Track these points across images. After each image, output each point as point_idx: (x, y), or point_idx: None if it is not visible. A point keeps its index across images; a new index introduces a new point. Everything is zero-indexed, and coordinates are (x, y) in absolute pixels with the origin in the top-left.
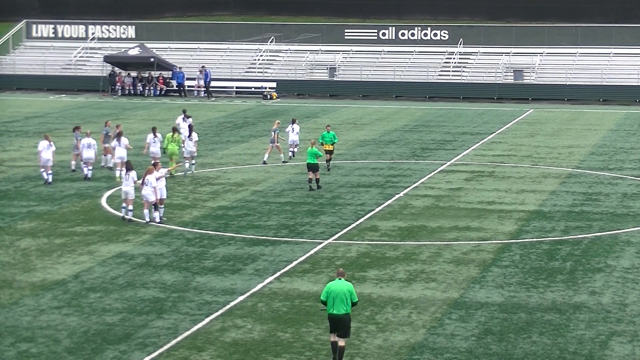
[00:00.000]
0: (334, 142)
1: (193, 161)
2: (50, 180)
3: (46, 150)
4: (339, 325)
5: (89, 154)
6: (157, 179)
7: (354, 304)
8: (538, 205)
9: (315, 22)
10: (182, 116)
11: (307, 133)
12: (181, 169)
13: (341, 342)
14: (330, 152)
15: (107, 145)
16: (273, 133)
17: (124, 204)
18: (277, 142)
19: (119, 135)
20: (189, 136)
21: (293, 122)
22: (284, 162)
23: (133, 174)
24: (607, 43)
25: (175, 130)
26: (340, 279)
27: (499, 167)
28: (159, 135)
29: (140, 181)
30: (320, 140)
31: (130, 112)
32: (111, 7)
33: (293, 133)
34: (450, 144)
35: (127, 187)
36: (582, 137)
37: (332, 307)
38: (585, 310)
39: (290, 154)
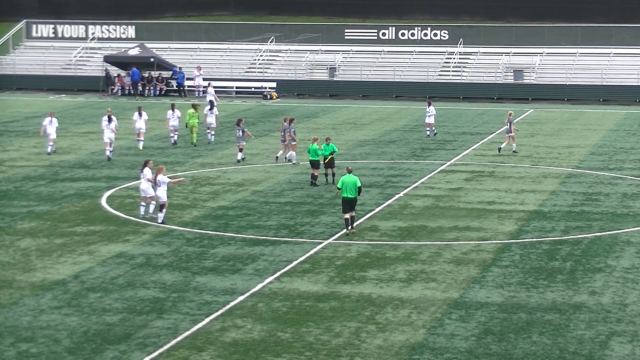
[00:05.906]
0: (334, 152)
1: (212, 132)
2: None
3: None
4: (350, 204)
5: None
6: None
7: (359, 189)
8: (538, 205)
9: (315, 22)
10: (209, 88)
11: (307, 133)
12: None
13: (352, 213)
14: (330, 164)
15: (285, 142)
16: (509, 124)
17: (142, 203)
18: (513, 132)
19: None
20: (210, 109)
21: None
22: (514, 152)
23: (147, 171)
24: (607, 43)
25: (194, 106)
26: (349, 174)
27: (499, 167)
28: (177, 110)
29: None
30: (322, 153)
31: (130, 112)
32: (111, 7)
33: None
34: (450, 144)
35: (144, 184)
36: (582, 137)
37: (345, 192)
38: (585, 310)
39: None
